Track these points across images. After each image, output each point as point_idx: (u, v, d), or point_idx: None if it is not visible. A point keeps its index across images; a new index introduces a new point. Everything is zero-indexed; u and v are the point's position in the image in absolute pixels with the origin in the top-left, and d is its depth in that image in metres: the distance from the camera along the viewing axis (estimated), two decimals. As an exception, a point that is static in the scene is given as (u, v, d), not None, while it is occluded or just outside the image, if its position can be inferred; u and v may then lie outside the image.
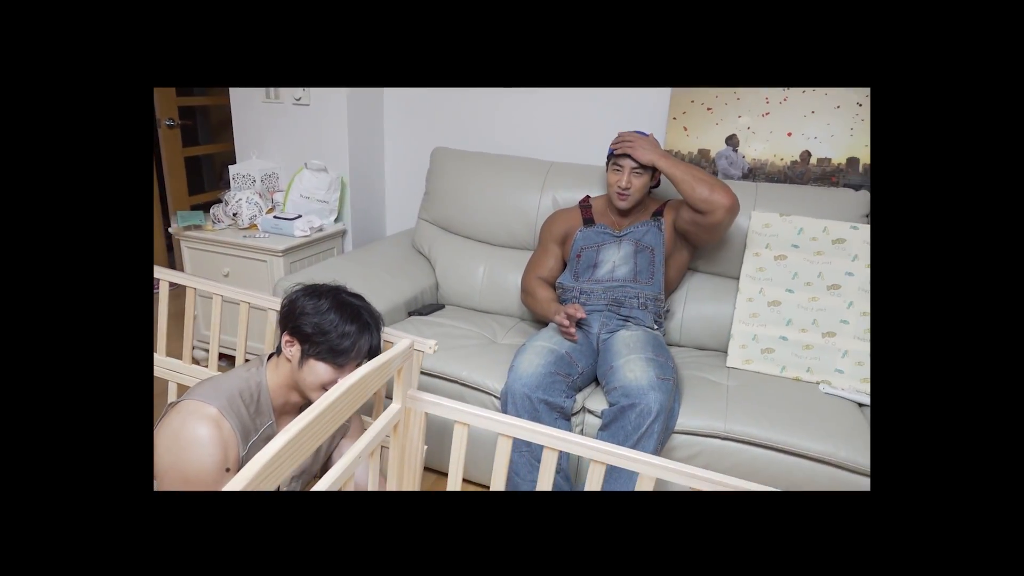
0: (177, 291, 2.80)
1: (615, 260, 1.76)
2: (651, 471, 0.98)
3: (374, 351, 1.17)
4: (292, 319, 1.13)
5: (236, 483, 0.63)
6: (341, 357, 1.11)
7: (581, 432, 1.59)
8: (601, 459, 1.01)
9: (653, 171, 1.73)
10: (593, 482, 1.04)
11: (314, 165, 2.29)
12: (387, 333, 1.41)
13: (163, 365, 1.58)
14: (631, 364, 1.49)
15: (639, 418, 1.40)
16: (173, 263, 3.43)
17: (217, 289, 1.51)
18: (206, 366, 1.60)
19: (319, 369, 1.11)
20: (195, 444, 1.02)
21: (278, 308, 1.20)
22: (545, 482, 1.06)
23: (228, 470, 1.06)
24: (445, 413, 1.08)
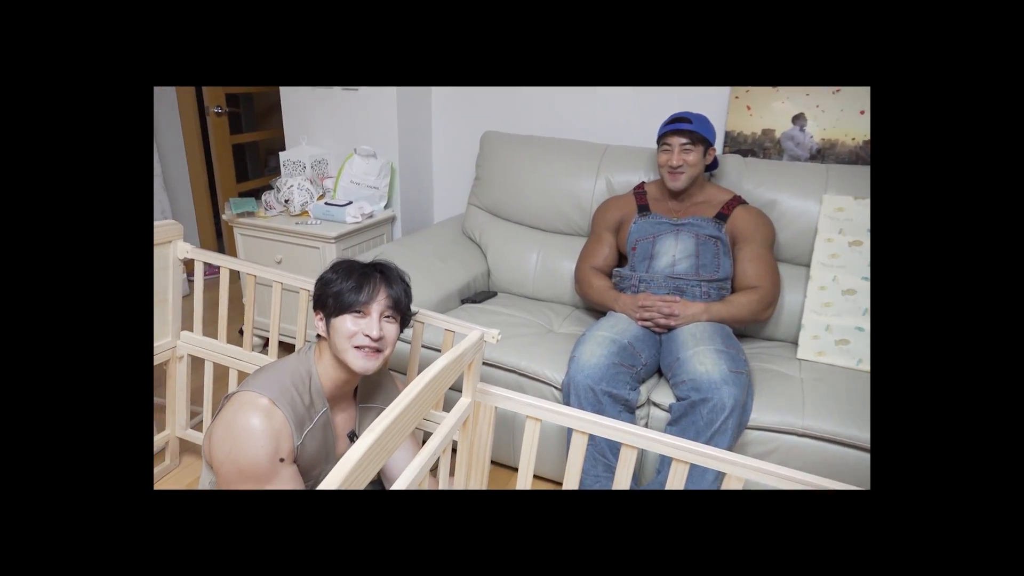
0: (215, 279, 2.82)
1: (674, 253, 1.69)
2: (739, 471, 0.92)
3: (395, 298, 1.16)
4: (314, 293, 1.17)
5: (331, 482, 0.60)
6: (352, 305, 1.11)
7: (646, 427, 1.52)
8: (685, 458, 0.96)
9: (706, 147, 1.68)
10: (675, 482, 0.98)
11: (364, 151, 2.25)
12: (447, 323, 1.40)
13: (224, 352, 1.58)
14: (700, 356, 1.42)
15: (712, 413, 1.34)
16: (222, 249, 3.46)
17: (277, 277, 1.49)
18: (265, 352, 1.59)
19: (338, 325, 1.11)
20: (247, 435, 1.02)
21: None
22: (623, 480, 1.01)
23: (282, 460, 1.05)
24: (517, 408, 1.04)
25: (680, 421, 1.40)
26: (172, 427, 1.69)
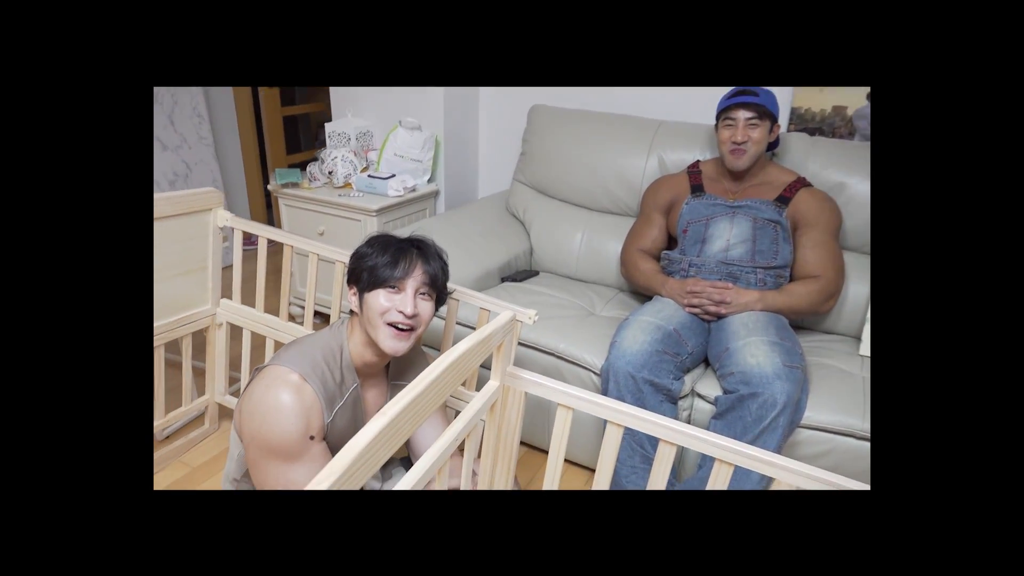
0: (274, 248, 2.85)
1: (729, 237, 1.57)
2: (790, 478, 0.83)
3: (432, 275, 1.11)
4: (350, 270, 1.13)
5: (325, 478, 0.55)
6: (387, 281, 1.07)
7: (689, 419, 1.45)
8: (730, 460, 0.87)
9: (772, 122, 1.55)
10: (717, 483, 0.90)
11: (408, 123, 2.20)
12: (483, 301, 1.35)
13: (261, 321, 1.57)
14: (752, 348, 1.32)
15: (761, 409, 1.24)
16: (272, 221, 3.50)
17: (313, 248, 1.47)
18: (302, 323, 1.58)
19: (371, 300, 1.07)
20: (276, 411, 0.98)
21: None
22: (659, 478, 0.93)
23: (312, 438, 1.01)
24: (548, 395, 0.97)
25: (726, 415, 1.31)
26: (212, 392, 1.71)
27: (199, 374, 1.90)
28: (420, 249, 1.12)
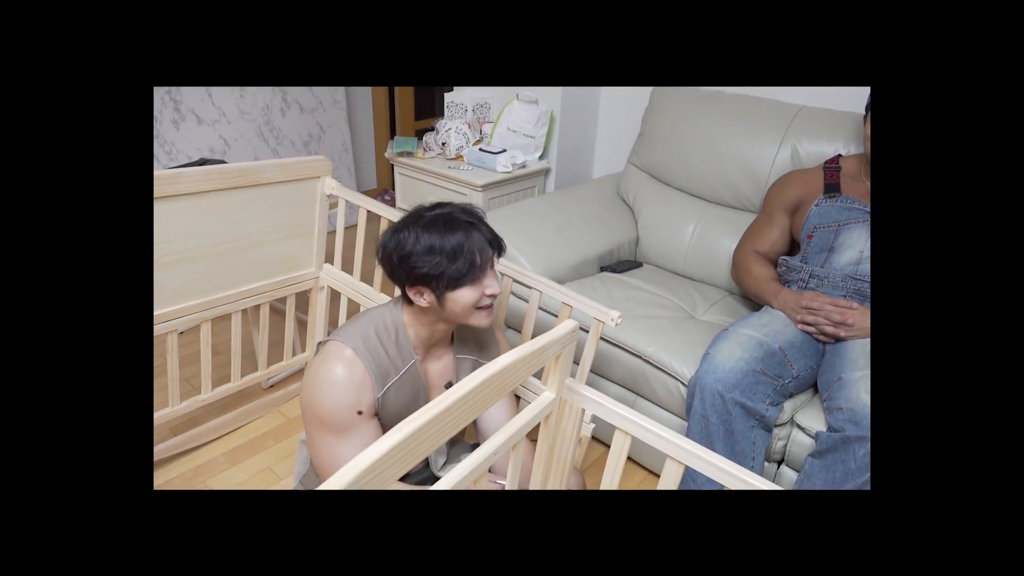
0: (373, 217, 2.93)
1: (862, 249, 1.34)
2: None
3: (494, 241, 1.05)
4: (404, 270, 1.03)
5: (336, 482, 0.52)
6: (470, 275, 1.01)
7: (785, 450, 1.29)
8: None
9: None
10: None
11: (525, 97, 2.13)
12: (566, 296, 1.27)
13: (357, 289, 1.61)
14: (869, 382, 1.13)
15: (869, 458, 1.06)
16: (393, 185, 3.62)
17: (386, 212, 1.48)
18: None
19: (457, 297, 1.02)
20: (328, 384, 1.01)
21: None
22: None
23: (360, 413, 1.01)
24: (606, 416, 0.88)
25: (826, 456, 1.13)
26: (310, 350, 1.79)
27: (302, 328, 2.01)
28: (471, 223, 1.04)
